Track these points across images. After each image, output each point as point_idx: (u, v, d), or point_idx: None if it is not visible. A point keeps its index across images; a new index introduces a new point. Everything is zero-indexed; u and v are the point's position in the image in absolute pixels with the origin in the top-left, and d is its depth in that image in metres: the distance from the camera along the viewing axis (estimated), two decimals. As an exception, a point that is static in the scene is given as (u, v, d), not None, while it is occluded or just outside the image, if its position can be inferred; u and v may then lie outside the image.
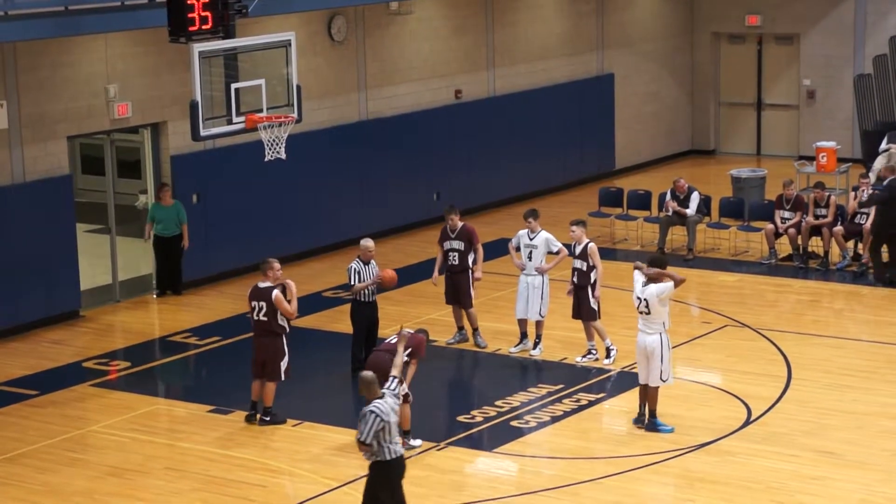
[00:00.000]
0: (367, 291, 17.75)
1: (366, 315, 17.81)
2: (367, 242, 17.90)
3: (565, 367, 18.17)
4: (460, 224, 18.83)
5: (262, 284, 16.21)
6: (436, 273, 19.09)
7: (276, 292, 16.06)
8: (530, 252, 18.52)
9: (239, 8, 16.75)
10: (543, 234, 18.52)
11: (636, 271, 15.79)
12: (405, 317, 19.27)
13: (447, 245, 18.89)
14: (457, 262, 18.81)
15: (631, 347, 16.49)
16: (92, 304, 21.24)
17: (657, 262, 15.91)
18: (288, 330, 16.28)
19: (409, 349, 15.18)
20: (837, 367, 18.06)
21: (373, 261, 17.82)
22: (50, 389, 17.80)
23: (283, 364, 16.23)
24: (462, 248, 18.76)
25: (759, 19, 31.17)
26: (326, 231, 24.07)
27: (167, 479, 14.84)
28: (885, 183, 22.23)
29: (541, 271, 18.43)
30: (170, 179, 21.78)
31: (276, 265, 16.32)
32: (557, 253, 18.36)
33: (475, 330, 19.01)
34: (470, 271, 18.76)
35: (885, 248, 21.76)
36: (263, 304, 16.09)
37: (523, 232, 18.62)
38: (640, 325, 15.73)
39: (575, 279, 18.13)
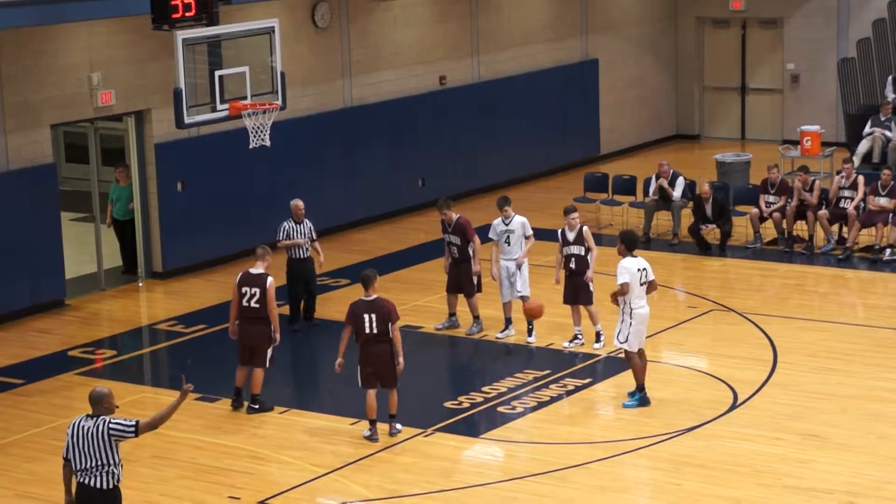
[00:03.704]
0: (300, 249, 19.03)
1: (299, 271, 19.15)
2: (297, 202, 19.15)
3: (552, 353, 18.18)
4: (455, 217, 18.78)
5: (254, 271, 16.18)
6: (444, 262, 19.06)
7: (270, 279, 16.05)
8: (507, 237, 18.51)
9: (222, -5, 16.74)
10: (518, 218, 18.54)
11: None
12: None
13: (446, 238, 18.88)
14: (458, 255, 18.78)
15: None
16: (77, 293, 21.20)
17: (629, 237, 16.25)
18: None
19: (390, 313, 15.10)
20: (823, 350, 18.10)
21: (306, 220, 19.04)
22: (36, 378, 17.77)
23: (270, 351, 16.22)
24: (459, 242, 18.73)
25: (742, 3, 31.16)
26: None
27: (154, 468, 14.82)
28: None
29: (519, 262, 18.44)
30: (154, 167, 21.74)
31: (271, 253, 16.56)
32: (529, 238, 18.49)
33: (475, 318, 19.00)
34: (471, 262, 18.74)
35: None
36: (257, 290, 16.04)
37: (497, 220, 18.62)
38: (642, 299, 16.02)
39: (573, 265, 18.09)
